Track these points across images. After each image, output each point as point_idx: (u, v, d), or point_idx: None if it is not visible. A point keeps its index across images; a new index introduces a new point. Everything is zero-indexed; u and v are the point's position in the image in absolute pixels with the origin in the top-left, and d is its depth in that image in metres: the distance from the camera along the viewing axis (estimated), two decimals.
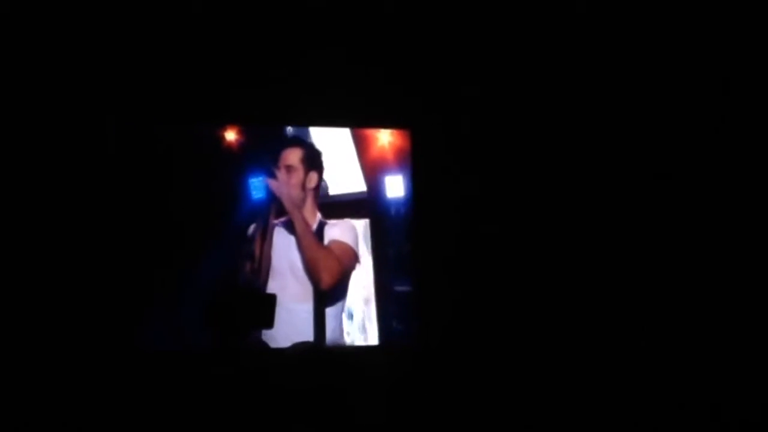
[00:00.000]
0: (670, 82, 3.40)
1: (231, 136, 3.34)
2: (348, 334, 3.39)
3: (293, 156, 3.40)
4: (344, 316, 3.39)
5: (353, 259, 3.39)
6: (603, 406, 3.16)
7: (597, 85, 3.47)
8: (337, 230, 3.39)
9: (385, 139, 3.46)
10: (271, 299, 2.85)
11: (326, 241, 3.37)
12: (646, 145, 3.41)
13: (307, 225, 3.35)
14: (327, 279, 3.32)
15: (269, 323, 2.78)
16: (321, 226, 3.40)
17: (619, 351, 3.26)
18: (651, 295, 3.31)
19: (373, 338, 3.41)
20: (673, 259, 3.30)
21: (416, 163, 3.45)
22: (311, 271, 3.32)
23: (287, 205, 3.34)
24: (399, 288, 3.42)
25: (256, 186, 3.33)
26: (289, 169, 3.38)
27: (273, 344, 3.09)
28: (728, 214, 3.24)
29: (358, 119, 3.46)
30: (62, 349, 2.97)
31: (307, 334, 3.28)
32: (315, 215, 3.41)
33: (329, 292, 3.34)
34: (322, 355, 3.14)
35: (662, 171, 3.38)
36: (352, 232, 3.41)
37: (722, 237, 3.24)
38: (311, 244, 3.33)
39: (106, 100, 3.17)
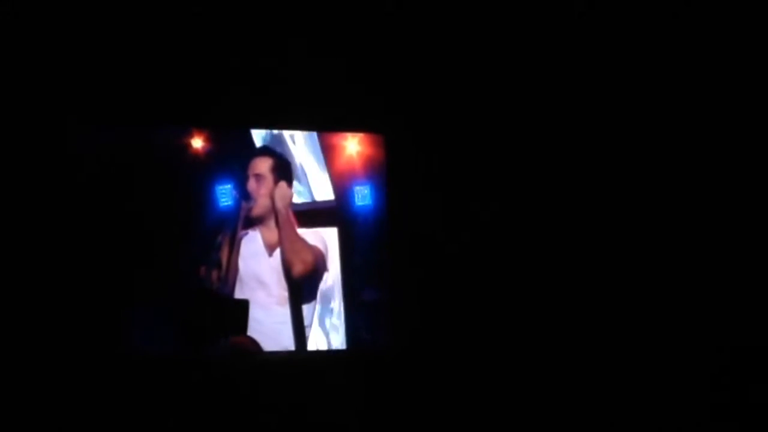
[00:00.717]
0: (653, 92, 3.44)
1: (198, 143, 3.30)
2: (316, 340, 3.38)
3: (263, 165, 3.40)
4: (314, 323, 3.38)
5: (324, 263, 3.41)
6: (577, 412, 3.21)
7: (579, 90, 3.51)
8: (309, 237, 3.40)
9: (353, 148, 3.48)
10: (244, 305, 2.85)
11: None
12: (630, 152, 3.44)
13: (289, 218, 3.36)
14: (300, 268, 3.36)
15: (242, 329, 2.78)
16: None
17: (596, 357, 3.31)
18: (629, 315, 3.34)
19: (340, 345, 3.41)
20: (653, 269, 3.36)
21: (390, 168, 3.47)
22: (287, 259, 3.34)
23: (276, 200, 3.35)
24: (366, 296, 3.43)
25: (224, 194, 3.31)
26: (258, 177, 3.38)
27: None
28: (727, 214, 3.27)
29: (332, 123, 3.47)
30: (31, 355, 2.90)
31: (277, 342, 3.27)
32: None
33: (300, 289, 3.36)
34: (295, 360, 3.14)
35: (642, 187, 3.42)
36: (322, 241, 3.42)
37: (717, 237, 3.28)
38: (292, 232, 3.36)
39: (71, 103, 3.10)
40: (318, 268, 3.40)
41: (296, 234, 3.38)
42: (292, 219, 3.39)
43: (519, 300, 3.42)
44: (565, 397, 3.25)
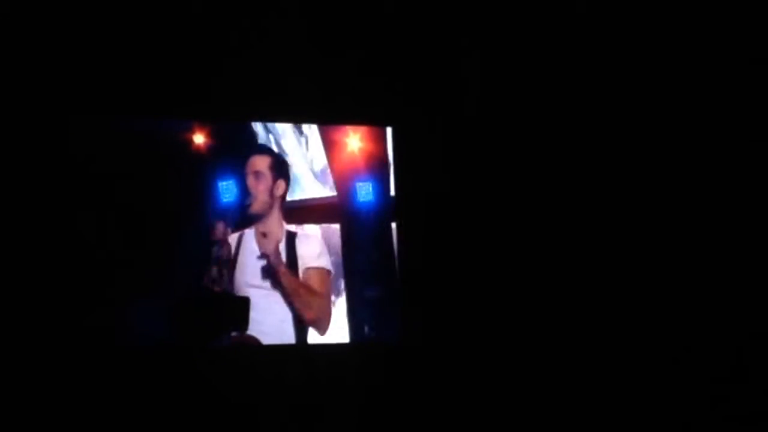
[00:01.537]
0: (663, 86, 3.41)
1: (199, 138, 3.28)
2: (317, 338, 3.34)
3: (262, 162, 3.37)
4: None
5: (329, 279, 3.36)
6: (584, 410, 3.18)
7: (587, 83, 3.47)
8: (307, 250, 3.35)
9: (355, 144, 3.45)
10: (245, 302, 2.86)
11: (299, 263, 3.33)
12: (636, 147, 3.40)
13: (286, 270, 3.29)
14: (310, 315, 3.29)
15: (244, 325, 2.79)
16: (291, 239, 3.35)
17: (603, 353, 3.28)
18: (632, 312, 3.32)
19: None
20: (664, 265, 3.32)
21: (397, 161, 3.44)
22: (298, 313, 3.27)
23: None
24: (369, 292, 3.40)
25: (226, 189, 3.28)
26: (258, 175, 3.35)
27: None
28: (728, 214, 3.25)
29: (336, 117, 3.44)
30: (31, 348, 2.89)
31: (280, 340, 3.23)
32: (281, 225, 3.36)
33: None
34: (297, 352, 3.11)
35: (652, 180, 3.38)
36: (321, 246, 3.38)
37: (720, 237, 3.25)
38: (294, 285, 3.29)
39: (70, 96, 3.09)
40: (327, 293, 3.33)
41: (299, 284, 3.29)
42: (278, 235, 3.32)
43: (527, 296, 3.39)
44: (573, 395, 3.22)
